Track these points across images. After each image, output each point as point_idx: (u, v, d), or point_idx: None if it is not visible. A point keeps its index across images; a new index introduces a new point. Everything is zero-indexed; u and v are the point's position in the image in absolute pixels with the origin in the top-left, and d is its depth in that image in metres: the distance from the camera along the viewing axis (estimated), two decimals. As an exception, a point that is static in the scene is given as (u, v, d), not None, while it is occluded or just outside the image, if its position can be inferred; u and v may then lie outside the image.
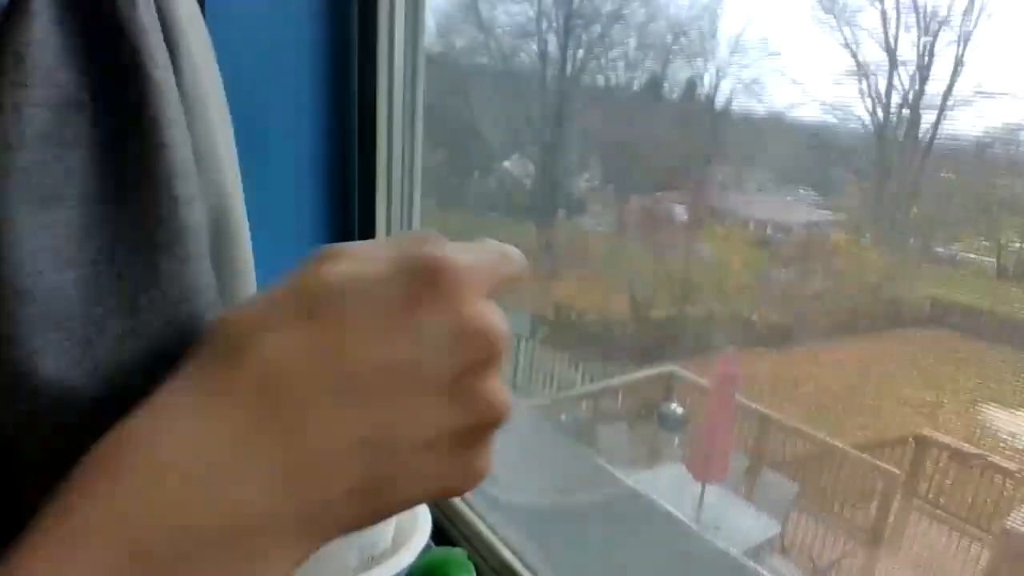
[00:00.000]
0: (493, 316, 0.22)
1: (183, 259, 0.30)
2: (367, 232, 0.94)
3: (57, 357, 0.26)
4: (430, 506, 0.66)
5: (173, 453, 0.19)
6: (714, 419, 1.43)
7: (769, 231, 0.97)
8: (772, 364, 1.10)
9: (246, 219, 0.38)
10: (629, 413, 1.80)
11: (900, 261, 0.83)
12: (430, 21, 1.02)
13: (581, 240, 1.29)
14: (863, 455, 1.17)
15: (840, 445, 1.21)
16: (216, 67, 0.38)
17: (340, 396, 0.20)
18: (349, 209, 0.97)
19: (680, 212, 1.09)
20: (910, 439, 1.10)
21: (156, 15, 0.31)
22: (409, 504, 0.23)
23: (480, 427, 0.23)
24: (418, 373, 0.21)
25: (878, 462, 1.14)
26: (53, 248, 0.27)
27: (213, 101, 0.36)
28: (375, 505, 0.21)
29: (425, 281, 0.22)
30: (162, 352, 0.28)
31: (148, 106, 0.29)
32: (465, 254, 0.23)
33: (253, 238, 0.39)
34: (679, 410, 1.55)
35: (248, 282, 0.38)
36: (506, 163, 1.26)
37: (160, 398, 0.21)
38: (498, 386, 0.22)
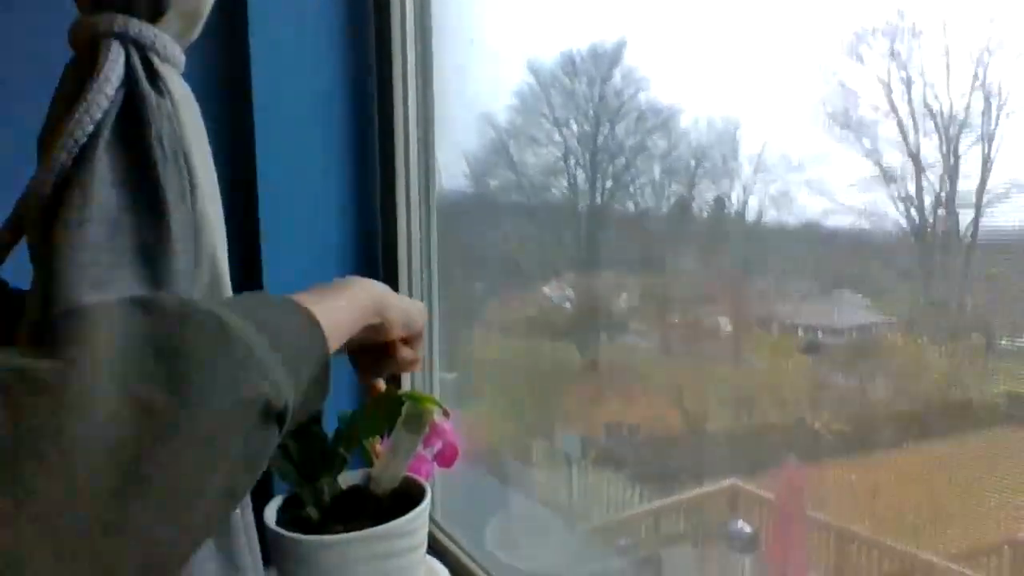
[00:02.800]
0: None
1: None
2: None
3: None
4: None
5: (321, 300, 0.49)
6: (786, 536, 1.34)
7: (820, 336, 0.96)
8: (842, 474, 1.05)
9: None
10: (693, 534, 1.69)
11: (964, 358, 0.81)
12: (464, 166, 1.08)
13: (626, 358, 1.28)
14: (956, 567, 1.08)
15: (929, 557, 1.11)
16: (217, 191, 0.49)
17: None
18: None
19: (725, 324, 1.08)
20: (1005, 546, 1.01)
21: (180, 161, 0.43)
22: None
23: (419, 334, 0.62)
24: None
25: (973, 573, 1.04)
26: None
27: (214, 216, 0.48)
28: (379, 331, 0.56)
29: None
30: None
31: (166, 227, 0.41)
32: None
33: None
34: (747, 528, 1.46)
35: None
36: (545, 289, 1.28)
37: (311, 292, 0.51)
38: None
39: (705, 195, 0.95)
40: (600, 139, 1.02)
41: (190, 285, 0.43)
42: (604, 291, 1.19)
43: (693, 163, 0.94)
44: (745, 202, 0.90)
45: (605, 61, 0.95)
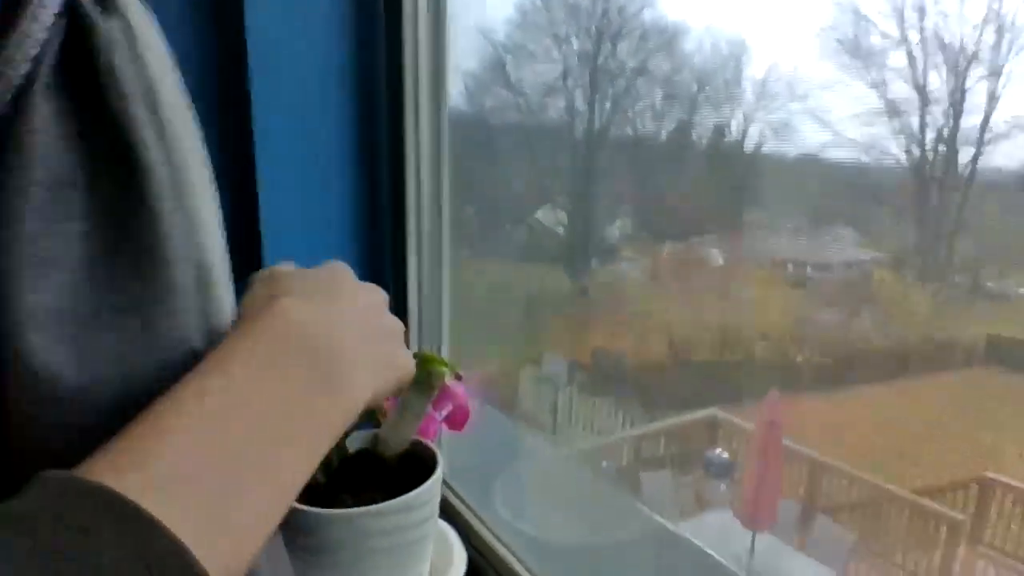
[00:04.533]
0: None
1: (171, 312, 0.35)
2: (400, 280, 0.99)
3: (55, 408, 0.28)
4: (466, 547, 0.67)
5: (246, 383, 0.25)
6: (761, 464, 1.38)
7: (809, 271, 0.96)
8: (820, 407, 1.07)
9: (228, 273, 0.42)
10: (673, 459, 1.75)
11: (949, 298, 0.81)
12: (460, 84, 1.05)
13: (616, 286, 1.28)
14: (924, 500, 1.12)
15: (898, 491, 1.15)
16: (198, 141, 0.42)
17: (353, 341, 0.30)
18: (382, 259, 1.02)
19: (716, 256, 1.08)
20: (972, 482, 1.05)
21: (145, 102, 0.37)
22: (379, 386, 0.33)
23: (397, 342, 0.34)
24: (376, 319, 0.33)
25: (940, 507, 1.08)
26: (52, 306, 0.30)
27: (196, 169, 0.41)
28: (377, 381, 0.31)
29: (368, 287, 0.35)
30: (161, 385, 0.33)
31: (139, 183, 0.31)
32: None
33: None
34: (724, 455, 1.50)
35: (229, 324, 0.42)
36: (538, 214, 1.27)
37: (223, 354, 0.27)
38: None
39: (706, 122, 0.93)
40: (601, 58, 0.98)
41: (181, 252, 0.38)
42: (598, 217, 1.18)
43: (695, 87, 0.92)
44: (745, 131, 0.88)
45: (610, -27, 0.91)
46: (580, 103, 1.06)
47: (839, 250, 0.91)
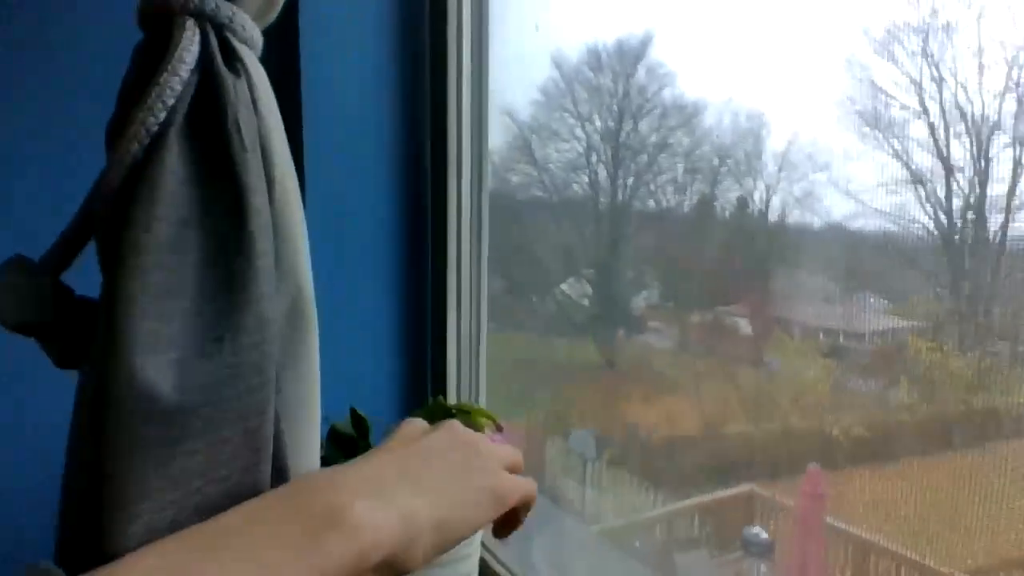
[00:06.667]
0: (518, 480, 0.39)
1: (257, 344, 0.37)
2: (440, 343, 1.01)
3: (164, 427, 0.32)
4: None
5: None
6: (804, 544, 1.32)
7: (842, 340, 0.94)
8: (862, 483, 1.03)
9: (315, 312, 0.44)
10: (709, 538, 1.67)
11: (989, 366, 0.79)
12: (487, 162, 1.08)
13: (643, 357, 1.27)
14: (979, 582, 1.05)
15: (950, 571, 1.09)
16: (297, 188, 0.44)
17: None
18: (423, 320, 1.04)
19: (745, 325, 1.07)
20: (1030, 561, 0.98)
21: (260, 153, 0.39)
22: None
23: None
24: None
25: (999, 589, 1.02)
26: (164, 332, 0.34)
27: (296, 216, 0.43)
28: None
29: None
30: (240, 409, 0.34)
31: (246, 225, 0.37)
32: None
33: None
34: (764, 535, 1.44)
35: (314, 358, 0.44)
36: (563, 286, 1.28)
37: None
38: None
39: (728, 194, 0.95)
40: (623, 135, 1.02)
41: (271, 288, 0.37)
42: (623, 289, 1.18)
43: (716, 161, 0.94)
44: (768, 201, 0.89)
45: (631, 56, 0.95)
46: (603, 178, 1.08)
47: (872, 318, 0.90)
